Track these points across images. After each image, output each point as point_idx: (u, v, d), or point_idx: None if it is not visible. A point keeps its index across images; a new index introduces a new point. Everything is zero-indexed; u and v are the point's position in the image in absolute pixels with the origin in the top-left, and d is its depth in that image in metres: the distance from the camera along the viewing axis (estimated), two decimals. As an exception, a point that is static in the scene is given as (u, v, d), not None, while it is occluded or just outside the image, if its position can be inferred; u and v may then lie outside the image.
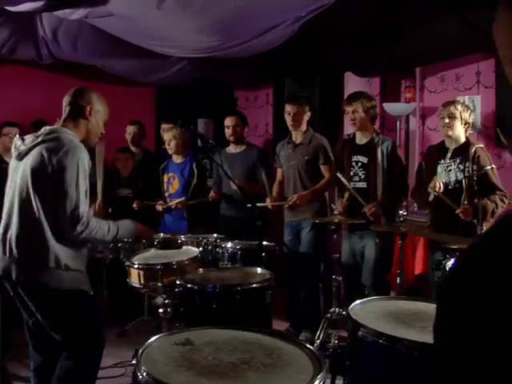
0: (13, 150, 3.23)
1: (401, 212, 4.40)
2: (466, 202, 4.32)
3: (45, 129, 3.21)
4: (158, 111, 8.15)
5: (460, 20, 4.55)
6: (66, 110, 3.29)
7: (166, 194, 5.84)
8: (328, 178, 5.25)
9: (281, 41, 4.92)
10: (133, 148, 6.65)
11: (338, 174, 4.85)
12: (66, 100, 3.30)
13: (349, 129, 6.26)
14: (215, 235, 4.78)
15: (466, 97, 5.54)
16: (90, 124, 3.29)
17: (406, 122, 6.28)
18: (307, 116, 5.36)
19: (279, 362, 2.13)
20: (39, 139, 3.12)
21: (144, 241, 4.23)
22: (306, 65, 6.14)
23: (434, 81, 6.08)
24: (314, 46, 5.43)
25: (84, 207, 3.08)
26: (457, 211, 4.29)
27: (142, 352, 2.16)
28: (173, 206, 5.69)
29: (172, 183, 5.86)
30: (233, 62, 6.00)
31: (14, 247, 3.08)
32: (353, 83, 6.39)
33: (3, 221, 3.20)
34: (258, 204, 4.79)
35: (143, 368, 1.99)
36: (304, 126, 5.36)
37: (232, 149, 5.82)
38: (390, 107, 6.09)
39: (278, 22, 4.51)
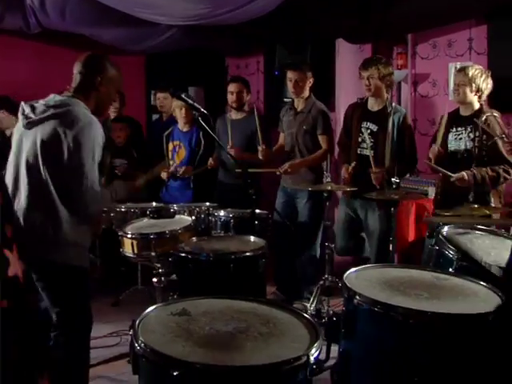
0: (20, 116, 3.10)
1: (393, 179, 4.39)
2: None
3: (55, 99, 3.08)
4: (148, 80, 8.07)
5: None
6: (76, 78, 3.18)
7: (171, 163, 5.70)
8: (324, 150, 5.18)
9: (271, 7, 4.85)
10: None
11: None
12: (76, 67, 3.18)
13: (340, 99, 6.23)
14: (208, 204, 4.76)
15: (458, 63, 5.50)
16: (100, 94, 3.20)
17: (398, 88, 6.26)
18: (310, 83, 5.24)
19: (275, 331, 2.14)
20: (51, 111, 3.01)
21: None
22: (297, 31, 6.07)
23: (425, 47, 6.04)
24: (304, 13, 5.37)
25: (97, 182, 3.04)
26: (451, 179, 4.19)
27: (139, 323, 2.16)
28: (179, 174, 5.55)
29: (178, 152, 5.70)
30: (223, 30, 5.93)
31: (21, 219, 2.99)
32: (344, 50, 6.34)
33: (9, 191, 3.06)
34: (250, 170, 4.64)
35: (141, 339, 2.00)
36: (306, 93, 5.26)
37: (233, 115, 5.72)
38: (382, 74, 6.04)
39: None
